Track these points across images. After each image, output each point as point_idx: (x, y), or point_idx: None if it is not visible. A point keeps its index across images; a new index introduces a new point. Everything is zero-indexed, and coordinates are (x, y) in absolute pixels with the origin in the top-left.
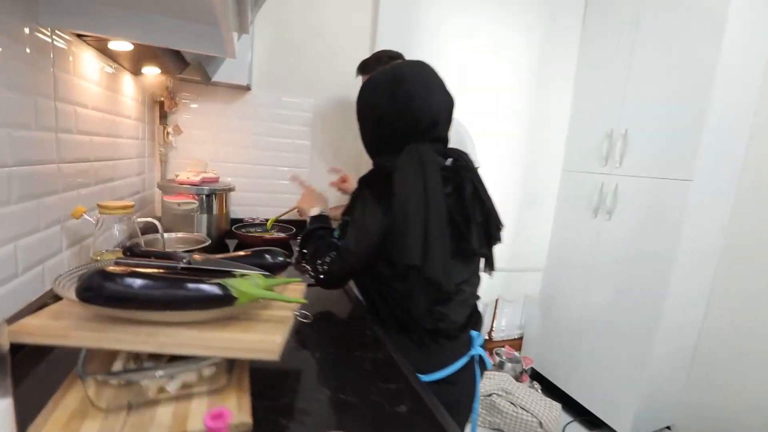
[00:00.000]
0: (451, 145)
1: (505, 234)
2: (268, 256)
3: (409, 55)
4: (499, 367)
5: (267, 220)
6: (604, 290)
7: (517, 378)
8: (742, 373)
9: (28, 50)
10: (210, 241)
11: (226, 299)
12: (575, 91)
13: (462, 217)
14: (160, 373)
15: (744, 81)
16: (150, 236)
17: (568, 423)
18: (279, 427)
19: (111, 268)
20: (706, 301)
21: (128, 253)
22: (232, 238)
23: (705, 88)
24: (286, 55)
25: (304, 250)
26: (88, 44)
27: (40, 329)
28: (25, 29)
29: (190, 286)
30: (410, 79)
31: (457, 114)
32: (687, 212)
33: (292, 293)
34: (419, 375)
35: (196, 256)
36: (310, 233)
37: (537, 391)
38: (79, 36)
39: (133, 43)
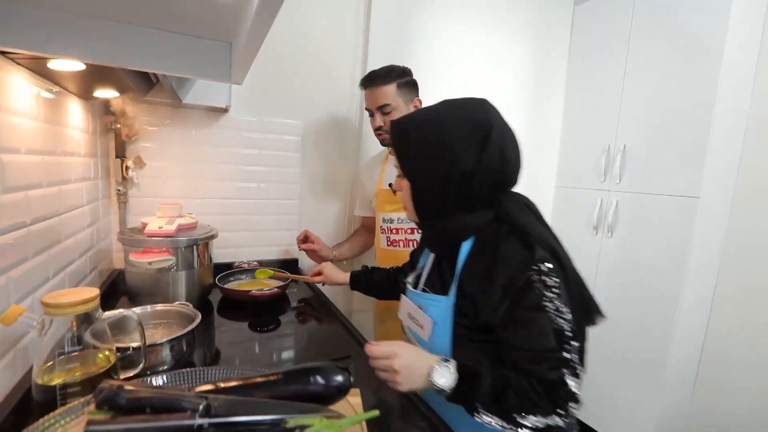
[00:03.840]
0: None
1: None
2: (318, 379)
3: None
4: None
5: (255, 264)
6: (609, 309)
7: None
8: (746, 379)
9: None
10: (199, 317)
11: None
12: (566, 107)
13: None
14: None
15: (744, 94)
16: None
17: None
18: None
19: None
20: (709, 311)
21: (107, 408)
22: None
23: (708, 104)
24: (270, 72)
25: (493, 416)
26: (18, 63)
27: None
28: None
29: None
30: (495, 122)
31: None
32: (694, 229)
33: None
34: None
35: (205, 393)
36: (473, 387)
37: None
38: (2, 53)
39: (87, 63)
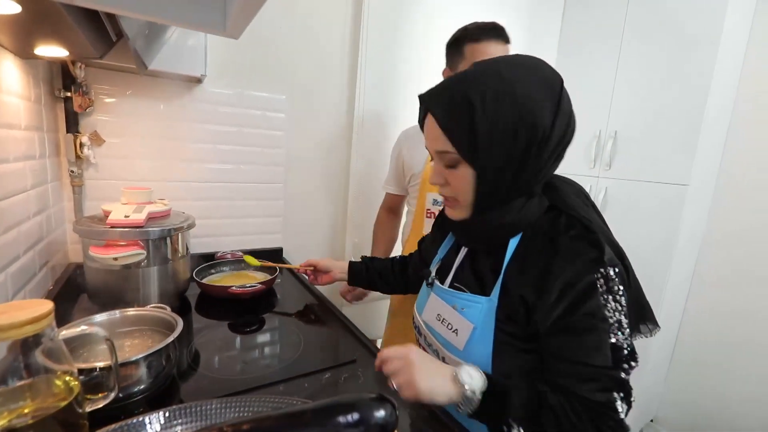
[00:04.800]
0: None
1: None
2: (355, 417)
3: (398, 52)
4: None
5: (239, 254)
6: None
7: None
8: (721, 364)
9: None
10: (181, 325)
11: None
12: None
13: None
14: None
15: (732, 84)
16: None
17: None
18: None
19: None
20: (686, 294)
21: None
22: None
23: (702, 94)
24: (251, 38)
25: None
26: None
27: None
28: None
29: None
30: (560, 80)
31: None
32: (682, 217)
33: None
34: None
35: None
36: (502, 401)
37: None
38: None
39: (22, 4)
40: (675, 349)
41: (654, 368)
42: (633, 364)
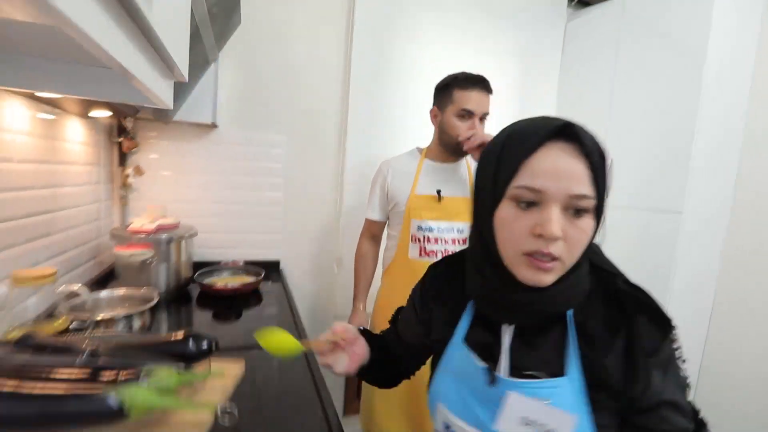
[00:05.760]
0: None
1: None
2: (190, 345)
3: (384, 87)
4: None
5: (238, 263)
6: None
7: None
8: (744, 398)
9: None
10: (157, 298)
11: (116, 414)
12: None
13: None
14: None
15: (729, 107)
16: (95, 297)
17: None
18: None
19: None
20: (705, 333)
21: (18, 346)
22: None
23: (690, 119)
24: (255, 90)
25: None
26: (13, 92)
27: None
28: None
29: (70, 401)
30: None
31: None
32: (677, 245)
33: (226, 381)
34: None
35: (103, 343)
36: None
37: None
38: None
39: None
40: (698, 385)
41: None
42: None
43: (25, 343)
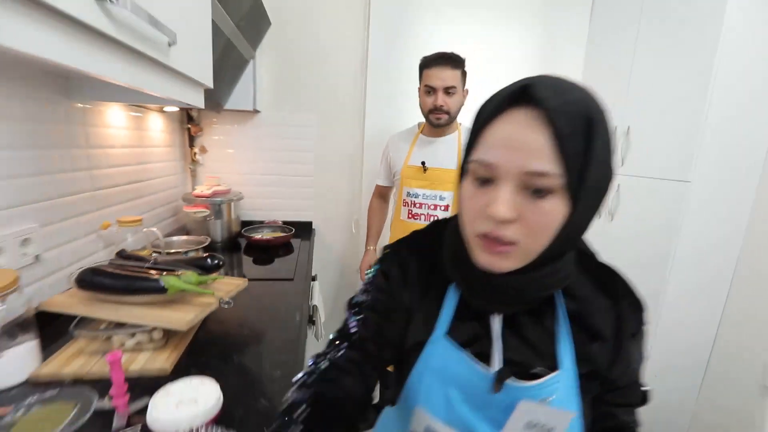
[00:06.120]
0: None
1: None
2: (208, 260)
3: (402, 64)
4: None
5: (277, 222)
6: None
7: None
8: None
9: (64, 117)
10: (208, 241)
11: (160, 289)
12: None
13: None
14: (118, 333)
15: (745, 80)
16: (169, 239)
17: None
18: (187, 373)
19: (94, 267)
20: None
21: (119, 255)
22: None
23: (702, 88)
24: (288, 78)
25: None
26: (113, 103)
27: (58, 304)
28: (62, 103)
29: (139, 280)
30: None
31: (463, 113)
32: (684, 215)
33: (232, 287)
34: None
35: (161, 258)
36: None
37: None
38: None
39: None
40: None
41: (676, 382)
42: None
43: (122, 254)
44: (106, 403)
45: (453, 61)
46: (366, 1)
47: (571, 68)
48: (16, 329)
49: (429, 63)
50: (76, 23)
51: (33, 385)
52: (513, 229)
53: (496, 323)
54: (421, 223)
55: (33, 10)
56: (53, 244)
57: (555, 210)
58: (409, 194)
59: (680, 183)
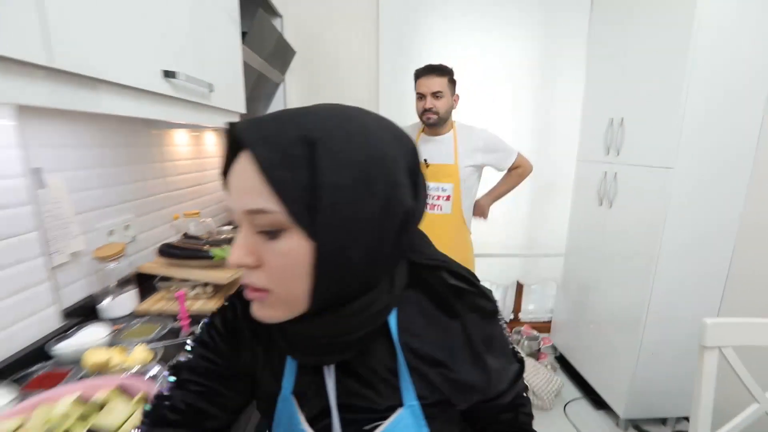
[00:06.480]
0: (486, 153)
1: (519, 222)
2: None
3: (408, 75)
4: (517, 343)
5: None
6: (610, 279)
7: (534, 355)
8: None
9: (146, 141)
10: None
11: (210, 257)
12: (586, 84)
13: None
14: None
15: (723, 68)
16: (219, 228)
17: (575, 399)
18: None
19: (169, 243)
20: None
21: (185, 237)
22: None
23: (679, 76)
24: (312, 91)
25: None
26: (178, 127)
27: (147, 268)
28: (144, 132)
29: (197, 251)
30: (413, 146)
31: (472, 113)
32: (668, 200)
33: None
34: None
35: (212, 239)
36: None
37: (546, 367)
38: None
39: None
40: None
41: (668, 364)
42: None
43: (186, 236)
44: (176, 324)
45: (438, 70)
46: (375, 15)
47: (575, 61)
48: (124, 282)
49: (419, 74)
50: (151, 93)
51: (135, 315)
52: (257, 275)
53: (330, 374)
54: (426, 212)
55: (127, 93)
56: (144, 229)
57: (294, 249)
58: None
59: (665, 170)
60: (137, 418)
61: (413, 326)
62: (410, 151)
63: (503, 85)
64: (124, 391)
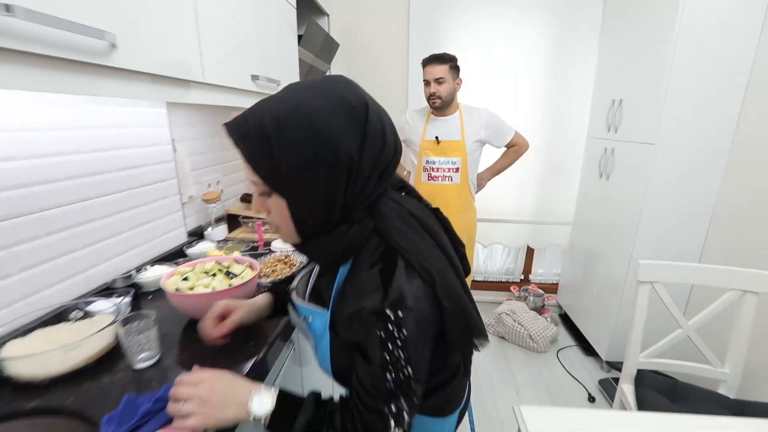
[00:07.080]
0: (489, 132)
1: (530, 191)
2: None
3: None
4: (524, 299)
5: None
6: (607, 245)
7: (537, 309)
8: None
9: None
10: None
11: None
12: (598, 69)
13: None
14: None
15: (705, 49)
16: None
17: (569, 346)
18: None
19: (247, 192)
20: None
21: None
22: None
23: (663, 58)
24: (352, 78)
25: None
26: None
27: (234, 209)
28: (230, 114)
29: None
30: (369, 101)
31: (486, 96)
32: (651, 174)
33: None
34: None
35: None
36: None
37: (546, 320)
38: None
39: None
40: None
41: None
42: (407, 401)
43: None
44: (256, 244)
45: (440, 58)
46: (406, 12)
47: (585, 56)
48: (220, 219)
49: (424, 63)
50: (243, 90)
51: (226, 240)
52: (270, 218)
53: (314, 272)
54: (439, 184)
55: (228, 92)
56: (229, 184)
57: (278, 204)
58: (428, 162)
59: (648, 146)
60: (246, 271)
61: (349, 275)
62: (360, 117)
63: (521, 70)
64: (236, 261)
